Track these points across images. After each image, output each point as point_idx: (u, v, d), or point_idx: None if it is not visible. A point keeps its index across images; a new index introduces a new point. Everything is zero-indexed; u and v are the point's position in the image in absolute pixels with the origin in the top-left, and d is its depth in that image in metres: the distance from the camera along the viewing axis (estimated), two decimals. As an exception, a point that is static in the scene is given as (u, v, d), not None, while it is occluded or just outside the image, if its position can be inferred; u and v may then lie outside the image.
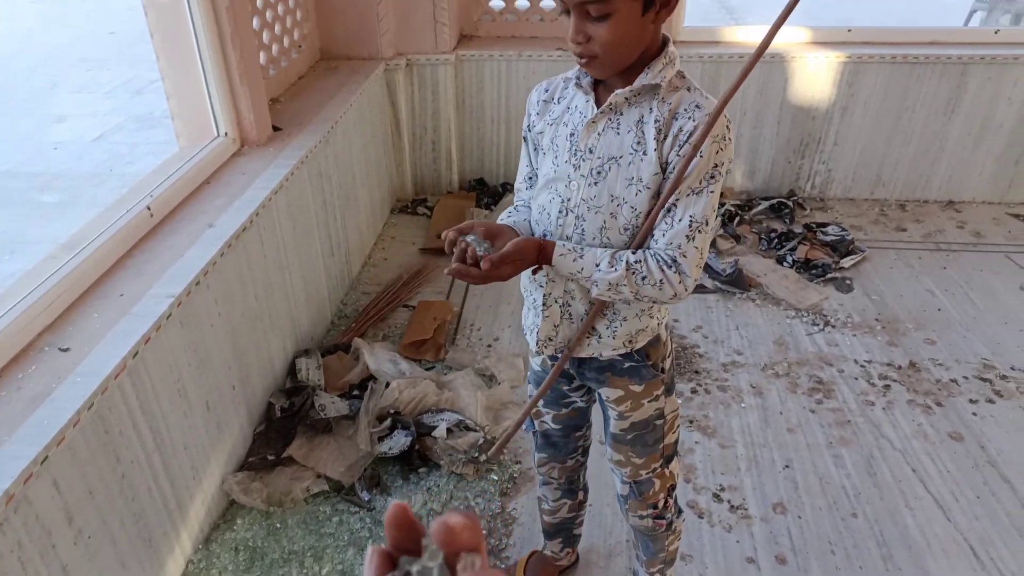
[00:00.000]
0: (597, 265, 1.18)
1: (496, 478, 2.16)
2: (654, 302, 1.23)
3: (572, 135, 1.22)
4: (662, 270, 1.17)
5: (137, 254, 1.91)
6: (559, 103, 1.27)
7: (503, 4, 3.82)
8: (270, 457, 2.12)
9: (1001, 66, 3.49)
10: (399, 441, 2.19)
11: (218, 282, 1.93)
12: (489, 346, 2.75)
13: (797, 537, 1.99)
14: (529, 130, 1.33)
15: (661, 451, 1.48)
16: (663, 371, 1.40)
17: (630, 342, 1.34)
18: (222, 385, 1.99)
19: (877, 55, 3.51)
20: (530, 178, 1.36)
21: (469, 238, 1.16)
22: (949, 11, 8.04)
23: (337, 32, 3.41)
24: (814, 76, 3.57)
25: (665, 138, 1.15)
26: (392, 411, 2.29)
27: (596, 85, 1.22)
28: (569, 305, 1.32)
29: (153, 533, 1.69)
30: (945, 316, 2.93)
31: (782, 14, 1.07)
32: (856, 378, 2.58)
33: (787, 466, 2.22)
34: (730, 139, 1.16)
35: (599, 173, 1.20)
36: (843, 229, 3.48)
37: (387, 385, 2.38)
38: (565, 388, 1.51)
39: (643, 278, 1.17)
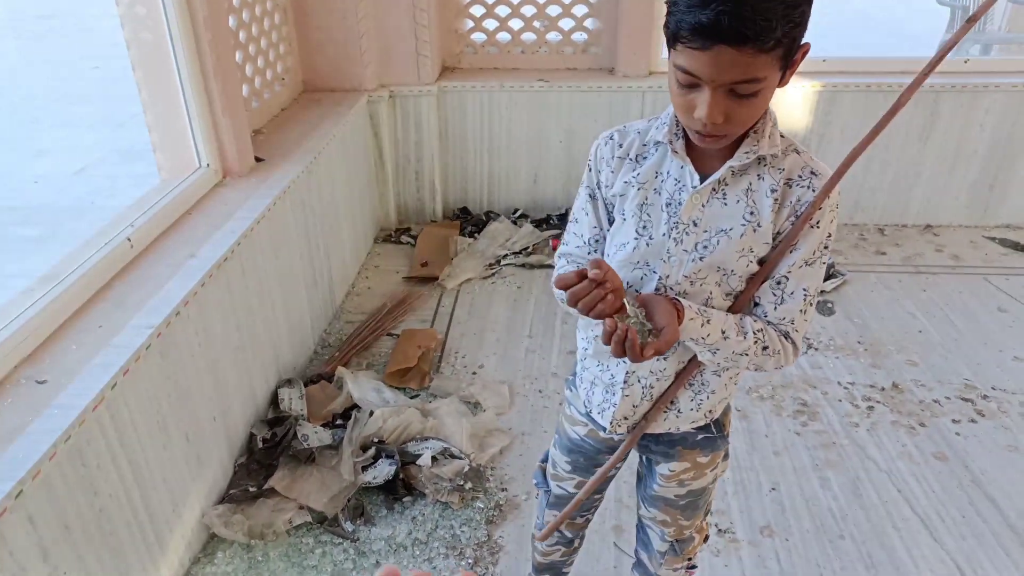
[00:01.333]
0: (724, 333, 1.08)
1: (482, 506, 2.13)
2: (756, 369, 1.16)
3: (669, 205, 1.10)
4: (780, 341, 1.11)
5: (117, 285, 1.89)
6: (640, 163, 1.13)
7: (484, 37, 3.87)
8: (251, 489, 2.09)
9: (971, 94, 3.57)
10: (383, 470, 2.16)
11: (199, 313, 1.91)
12: (474, 373, 2.74)
13: (785, 560, 1.98)
14: (599, 188, 1.18)
15: (705, 508, 1.44)
16: (727, 437, 1.35)
17: (710, 413, 1.27)
18: (202, 417, 1.96)
19: (852, 84, 3.59)
20: (596, 240, 1.21)
21: (630, 320, 1.00)
22: (920, 42, 8.26)
23: (320, 65, 3.45)
24: (791, 105, 3.64)
25: (781, 208, 1.07)
26: (376, 440, 2.26)
27: (689, 148, 1.10)
28: (653, 387, 1.22)
29: (131, 569, 1.65)
30: (926, 338, 2.95)
31: (933, 61, 1.02)
32: (840, 400, 2.59)
33: (774, 489, 2.21)
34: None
35: (706, 247, 1.09)
36: (823, 253, 3.52)
37: (371, 414, 2.36)
38: (606, 457, 1.39)
39: (764, 348, 1.10)
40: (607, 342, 0.98)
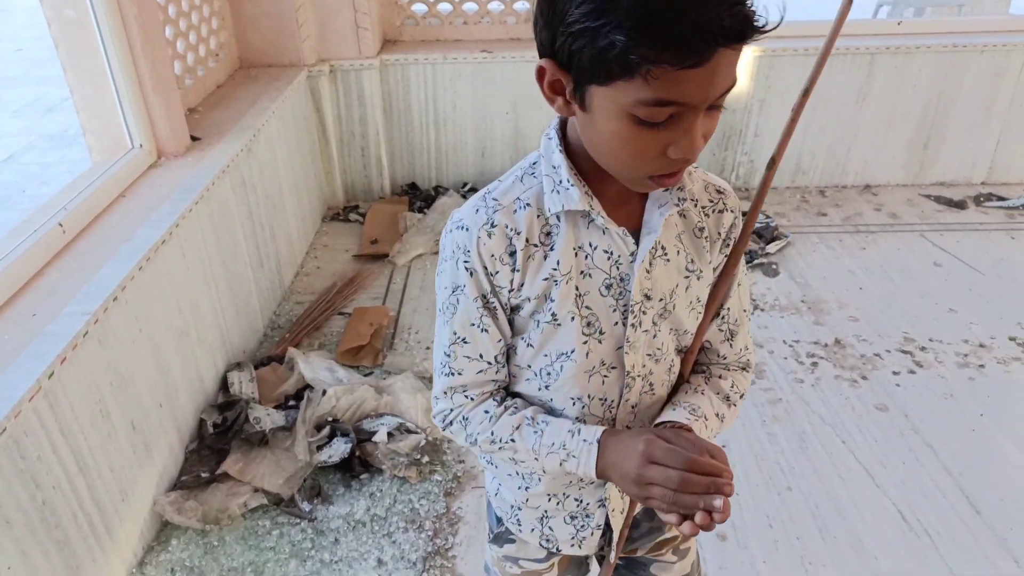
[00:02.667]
0: (718, 415, 0.97)
1: (440, 479, 2.14)
2: None
3: (610, 287, 0.89)
4: (744, 377, 1.02)
5: (50, 272, 1.83)
6: (551, 246, 0.87)
7: (425, 8, 3.81)
8: (204, 475, 2.06)
9: (905, 55, 3.66)
10: (339, 449, 2.15)
11: (137, 297, 1.86)
12: (428, 348, 2.73)
13: (736, 515, 2.03)
14: (495, 293, 0.89)
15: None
16: None
17: None
18: (147, 404, 1.92)
19: (791, 48, 3.64)
20: (501, 355, 0.95)
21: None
22: (857, 6, 8.40)
23: (256, 40, 3.35)
24: (732, 69, 3.67)
25: (713, 243, 0.93)
26: (330, 419, 2.25)
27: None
28: None
29: (81, 561, 1.62)
30: (866, 294, 3.05)
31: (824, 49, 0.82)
32: (785, 357, 2.66)
33: (724, 446, 2.25)
34: None
35: (662, 316, 0.92)
36: (767, 217, 3.59)
37: (324, 393, 2.34)
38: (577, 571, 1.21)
39: (741, 396, 1.01)
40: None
